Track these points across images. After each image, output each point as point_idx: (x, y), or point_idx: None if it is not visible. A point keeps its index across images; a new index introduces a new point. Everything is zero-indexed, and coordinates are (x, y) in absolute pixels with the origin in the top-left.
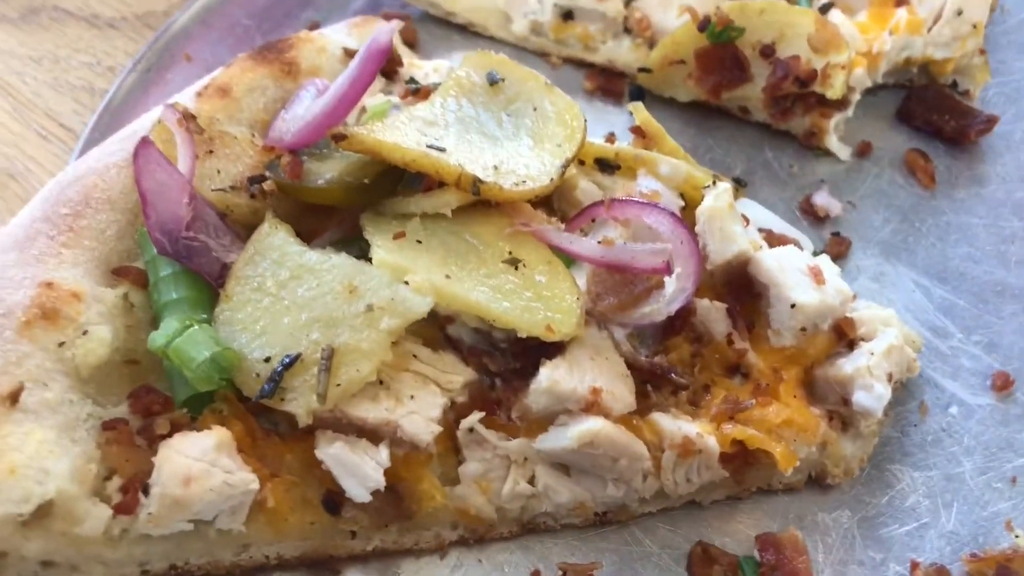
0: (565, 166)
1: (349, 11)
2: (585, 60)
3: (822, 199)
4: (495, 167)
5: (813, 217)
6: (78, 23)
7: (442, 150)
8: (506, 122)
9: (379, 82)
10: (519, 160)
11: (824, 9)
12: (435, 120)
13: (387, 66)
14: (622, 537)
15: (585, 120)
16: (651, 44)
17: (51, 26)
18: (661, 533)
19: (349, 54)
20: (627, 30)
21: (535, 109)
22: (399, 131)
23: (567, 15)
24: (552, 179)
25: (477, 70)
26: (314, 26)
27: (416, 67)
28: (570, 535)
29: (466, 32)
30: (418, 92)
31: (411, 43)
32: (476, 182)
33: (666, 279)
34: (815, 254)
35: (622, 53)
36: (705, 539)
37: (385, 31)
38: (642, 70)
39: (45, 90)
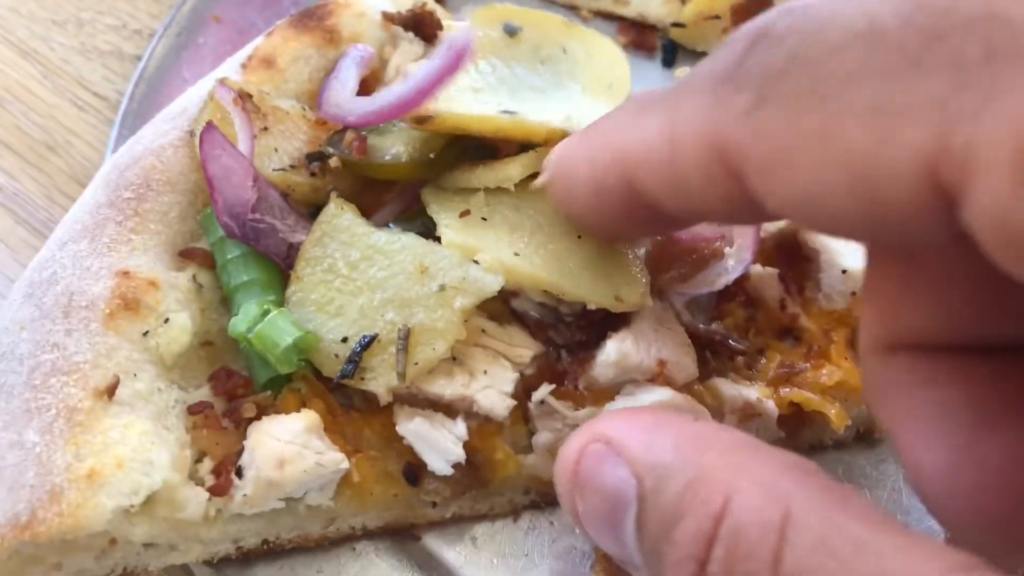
0: None
1: None
2: (615, 14)
3: None
4: (568, 117)
5: None
6: None
7: (514, 113)
8: (543, 71)
9: (419, 46)
10: (580, 108)
11: None
12: (481, 86)
13: (427, 30)
14: None
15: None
16: None
17: None
18: None
19: (388, 18)
20: None
21: (564, 51)
22: (471, 104)
23: None
24: None
25: (492, 24)
26: None
27: (454, 29)
28: None
29: None
30: None
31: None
32: (565, 135)
33: (726, 250)
34: None
35: (653, 7)
36: None
37: (462, 36)
38: (675, 24)
39: (73, 56)
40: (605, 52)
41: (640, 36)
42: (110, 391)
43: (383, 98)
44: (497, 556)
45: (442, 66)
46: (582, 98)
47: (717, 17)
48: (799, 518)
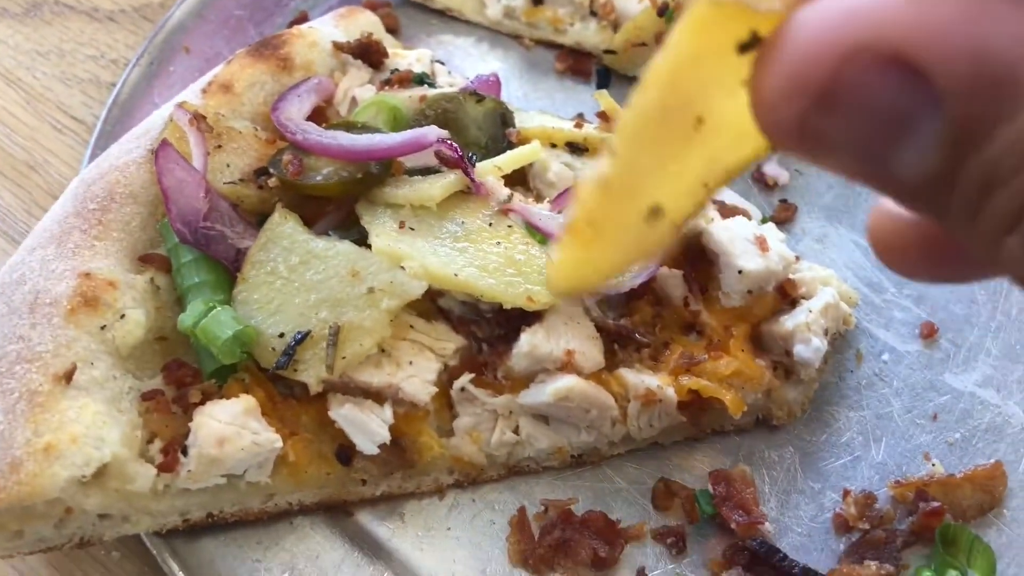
0: None
1: None
2: (555, 42)
3: (772, 169)
4: None
5: (764, 185)
6: (79, 17)
7: None
8: None
9: (366, 72)
10: None
11: None
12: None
13: (374, 57)
14: (595, 476)
15: None
16: (615, 26)
17: (54, 20)
18: (629, 471)
19: (339, 47)
20: (593, 13)
21: None
22: None
23: (538, 0)
24: None
25: None
26: (302, 16)
27: (400, 56)
28: (550, 475)
29: (444, 16)
30: (388, 83)
31: (393, 30)
32: None
33: None
34: (764, 220)
35: (589, 35)
36: (667, 475)
37: (434, 135)
38: (607, 51)
39: (54, 83)
40: None
41: (577, 63)
42: (68, 376)
43: (335, 138)
44: (423, 530)
45: (403, 143)
46: None
47: (644, 44)
48: None
